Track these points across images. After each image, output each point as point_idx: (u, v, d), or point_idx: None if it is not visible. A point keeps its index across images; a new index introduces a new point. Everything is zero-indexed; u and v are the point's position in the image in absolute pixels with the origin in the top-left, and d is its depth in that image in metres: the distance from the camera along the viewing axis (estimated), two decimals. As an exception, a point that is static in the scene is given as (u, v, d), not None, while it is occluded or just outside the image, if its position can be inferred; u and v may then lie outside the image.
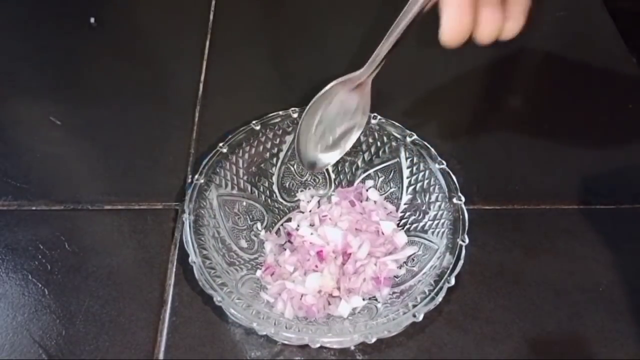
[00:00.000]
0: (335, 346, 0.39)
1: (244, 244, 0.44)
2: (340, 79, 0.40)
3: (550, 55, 0.60)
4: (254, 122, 0.45)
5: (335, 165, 0.48)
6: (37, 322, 0.41)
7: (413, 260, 0.42)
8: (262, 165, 0.47)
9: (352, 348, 0.40)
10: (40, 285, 0.43)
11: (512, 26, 0.33)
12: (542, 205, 0.48)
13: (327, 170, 0.48)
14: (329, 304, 0.41)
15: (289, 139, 0.47)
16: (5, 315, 0.42)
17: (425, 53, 0.58)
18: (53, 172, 0.50)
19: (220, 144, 0.44)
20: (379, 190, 0.47)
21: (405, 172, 0.45)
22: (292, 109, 0.46)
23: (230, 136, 0.45)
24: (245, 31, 0.62)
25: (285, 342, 0.39)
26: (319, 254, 0.42)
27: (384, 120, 0.46)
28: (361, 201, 0.46)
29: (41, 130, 0.53)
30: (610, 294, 0.43)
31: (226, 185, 0.45)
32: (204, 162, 0.43)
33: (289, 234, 0.45)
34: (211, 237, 0.41)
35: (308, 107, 0.41)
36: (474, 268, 0.43)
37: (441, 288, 0.37)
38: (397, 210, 0.46)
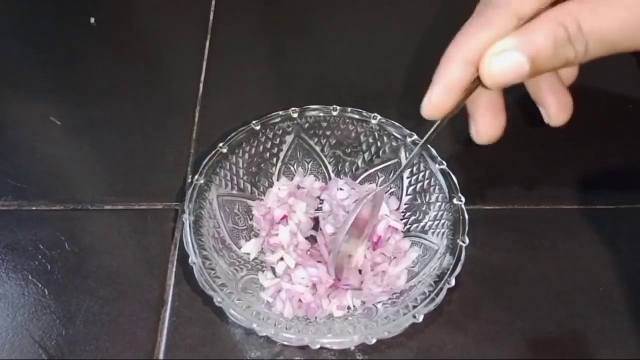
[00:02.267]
0: (335, 347, 0.39)
1: (244, 244, 0.44)
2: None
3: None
4: (254, 122, 0.45)
5: (335, 165, 0.48)
6: (37, 322, 0.41)
7: (413, 260, 0.42)
8: (262, 165, 0.47)
9: (352, 348, 0.40)
10: (40, 285, 0.43)
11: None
12: (542, 205, 0.48)
13: (327, 169, 0.48)
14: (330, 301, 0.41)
15: (289, 139, 0.47)
16: (5, 315, 0.42)
17: (425, 53, 0.58)
18: (53, 172, 0.50)
19: (220, 144, 0.44)
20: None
21: (405, 172, 0.45)
22: (292, 109, 0.46)
23: (230, 136, 0.45)
24: (245, 31, 0.62)
25: (285, 343, 0.39)
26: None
27: (384, 120, 0.46)
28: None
29: (41, 130, 0.53)
30: (610, 294, 0.43)
31: (226, 185, 0.45)
32: (204, 162, 0.43)
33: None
34: (211, 238, 0.41)
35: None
36: (474, 268, 0.43)
37: (441, 289, 0.37)
38: (397, 210, 0.46)
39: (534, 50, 0.26)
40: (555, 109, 0.32)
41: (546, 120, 0.32)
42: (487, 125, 0.33)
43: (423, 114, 0.31)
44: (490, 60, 0.27)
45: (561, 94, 0.32)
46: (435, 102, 0.30)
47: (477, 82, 0.29)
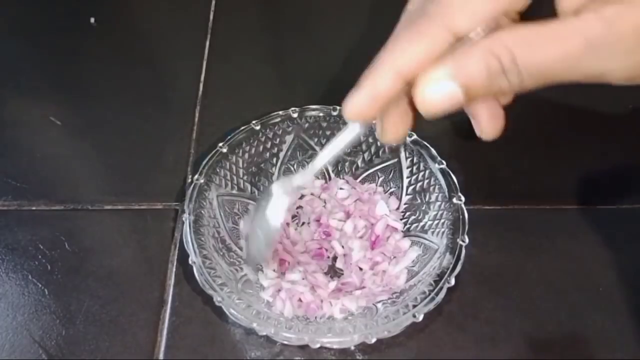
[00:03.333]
0: (335, 346, 0.39)
1: (244, 244, 0.44)
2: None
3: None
4: (254, 122, 0.45)
5: (335, 165, 0.48)
6: (37, 322, 0.41)
7: (413, 260, 0.42)
8: (262, 165, 0.47)
9: (352, 348, 0.40)
10: (40, 285, 0.43)
11: None
12: (542, 205, 0.48)
13: (327, 170, 0.48)
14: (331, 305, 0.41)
15: (289, 139, 0.47)
16: (5, 315, 0.42)
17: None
18: (53, 172, 0.50)
19: (220, 144, 0.44)
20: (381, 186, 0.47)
21: (405, 172, 0.45)
22: (292, 109, 0.46)
23: (230, 136, 0.45)
24: (245, 31, 0.62)
25: (285, 342, 0.39)
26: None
27: (384, 120, 0.46)
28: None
29: (41, 130, 0.53)
30: (610, 294, 0.43)
31: (226, 185, 0.45)
32: (204, 162, 0.43)
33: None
34: (211, 237, 0.41)
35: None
36: (474, 268, 0.43)
37: (441, 288, 0.37)
38: (397, 210, 0.46)
39: (467, 80, 0.26)
40: (487, 119, 0.31)
41: (478, 133, 0.32)
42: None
43: (344, 114, 0.29)
44: (424, 89, 0.27)
45: (492, 106, 0.31)
46: (359, 108, 0.29)
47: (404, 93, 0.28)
